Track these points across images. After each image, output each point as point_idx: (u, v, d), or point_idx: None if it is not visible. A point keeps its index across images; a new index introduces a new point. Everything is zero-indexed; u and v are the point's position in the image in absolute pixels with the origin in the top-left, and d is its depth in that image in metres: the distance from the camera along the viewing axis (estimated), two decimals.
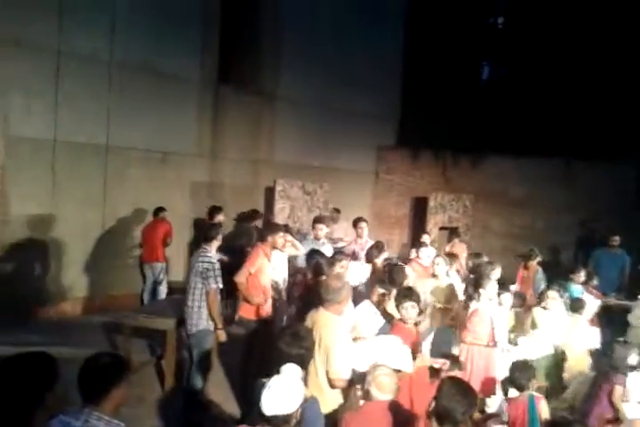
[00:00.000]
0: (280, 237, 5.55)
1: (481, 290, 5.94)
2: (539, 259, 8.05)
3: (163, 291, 8.18)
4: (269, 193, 10.12)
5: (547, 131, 12.11)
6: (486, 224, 11.32)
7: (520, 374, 4.22)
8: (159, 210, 8.13)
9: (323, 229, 6.81)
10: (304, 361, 3.18)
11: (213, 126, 9.54)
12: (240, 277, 5.39)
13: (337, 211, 10.15)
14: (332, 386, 3.72)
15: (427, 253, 8.03)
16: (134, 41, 8.18)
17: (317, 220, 7.13)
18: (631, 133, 12.53)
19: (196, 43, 9.13)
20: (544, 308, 6.20)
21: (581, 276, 7.41)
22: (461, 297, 6.53)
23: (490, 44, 14.81)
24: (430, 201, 11.31)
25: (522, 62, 13.55)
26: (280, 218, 9.45)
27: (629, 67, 12.69)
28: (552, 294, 6.23)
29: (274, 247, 5.59)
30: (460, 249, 9.31)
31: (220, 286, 5.10)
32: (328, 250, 6.54)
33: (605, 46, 12.16)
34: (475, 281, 6.20)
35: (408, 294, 4.63)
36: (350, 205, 11.15)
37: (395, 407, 3.30)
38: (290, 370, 2.85)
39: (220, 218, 7.99)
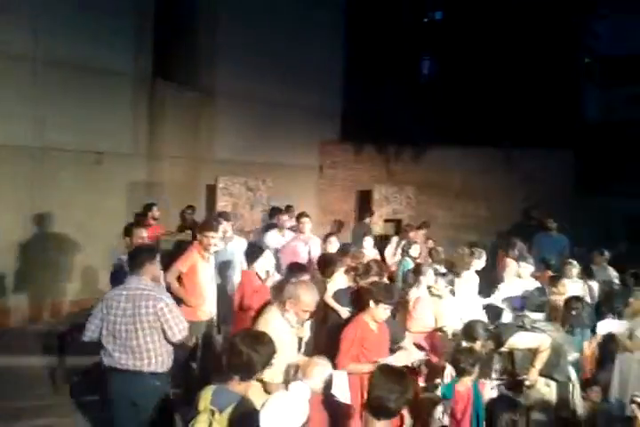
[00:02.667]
0: (206, 237, 5.35)
1: (421, 277, 5.99)
2: None
3: None
4: (211, 191, 9.95)
5: (487, 121, 12.35)
6: (430, 215, 11.44)
7: (464, 358, 4.06)
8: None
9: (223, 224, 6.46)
10: (250, 366, 2.88)
11: (150, 124, 9.28)
12: (169, 278, 5.17)
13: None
14: (266, 390, 3.50)
15: (370, 244, 8.04)
16: (62, 36, 7.86)
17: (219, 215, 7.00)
18: (569, 121, 12.96)
19: (129, 37, 8.84)
20: None
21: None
22: None
23: (429, 38, 15.01)
24: (374, 194, 11.37)
25: (461, 55, 13.77)
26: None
27: (566, 56, 13.11)
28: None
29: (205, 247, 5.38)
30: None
31: None
32: (242, 244, 6.49)
33: (541, 37, 12.49)
34: (415, 268, 6.25)
35: None
36: (295, 200, 11.03)
37: (329, 401, 3.27)
38: (298, 388, 2.65)
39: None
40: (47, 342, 6.23)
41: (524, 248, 7.77)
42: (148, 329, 3.81)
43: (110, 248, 6.43)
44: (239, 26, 10.41)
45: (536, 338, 4.94)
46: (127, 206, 8.78)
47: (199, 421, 2.73)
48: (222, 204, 9.66)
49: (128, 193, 8.87)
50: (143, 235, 5.36)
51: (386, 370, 2.92)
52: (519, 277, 6.45)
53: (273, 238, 7.40)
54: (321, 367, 3.32)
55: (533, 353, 4.80)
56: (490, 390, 4.32)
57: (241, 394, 2.80)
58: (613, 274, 7.66)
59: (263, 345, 2.92)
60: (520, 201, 10.79)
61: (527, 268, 6.46)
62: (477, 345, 4.49)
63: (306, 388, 2.75)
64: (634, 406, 4.39)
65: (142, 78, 9.10)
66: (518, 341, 4.87)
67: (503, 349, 4.90)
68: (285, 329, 3.72)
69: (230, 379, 2.86)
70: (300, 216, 7.41)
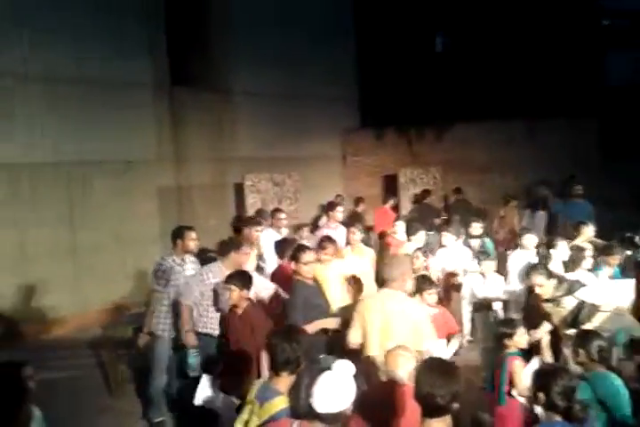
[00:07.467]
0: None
1: None
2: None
3: None
4: (239, 189, 10.16)
5: (506, 94, 12.22)
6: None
7: (505, 329, 4.11)
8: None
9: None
10: (297, 359, 2.96)
11: (173, 129, 9.51)
12: None
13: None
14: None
15: (402, 228, 8.05)
16: (82, 53, 8.11)
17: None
18: (591, 88, 12.72)
19: (143, 46, 9.03)
20: None
21: None
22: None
23: (441, 13, 14.84)
24: (400, 177, 11.43)
25: (475, 27, 13.61)
26: (253, 213, 9.47)
27: (582, 20, 12.85)
28: None
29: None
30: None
31: (158, 288, 4.95)
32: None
33: (555, 2, 12.28)
34: None
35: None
36: (322, 190, 11.23)
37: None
38: (342, 366, 2.63)
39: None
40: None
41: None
42: None
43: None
44: (251, 22, 10.50)
45: (601, 297, 4.94)
46: (159, 210, 9.09)
47: (243, 411, 3.02)
48: (251, 201, 9.87)
49: (159, 198, 9.15)
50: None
51: (432, 364, 2.71)
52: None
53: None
54: (404, 358, 3.28)
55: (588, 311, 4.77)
56: (521, 366, 4.25)
57: (280, 391, 2.91)
58: None
59: (300, 338, 3.03)
60: (545, 171, 10.70)
61: None
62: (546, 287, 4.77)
63: (350, 365, 2.80)
64: None
65: (161, 85, 9.31)
66: (587, 294, 4.89)
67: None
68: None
69: (275, 375, 2.98)
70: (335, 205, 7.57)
